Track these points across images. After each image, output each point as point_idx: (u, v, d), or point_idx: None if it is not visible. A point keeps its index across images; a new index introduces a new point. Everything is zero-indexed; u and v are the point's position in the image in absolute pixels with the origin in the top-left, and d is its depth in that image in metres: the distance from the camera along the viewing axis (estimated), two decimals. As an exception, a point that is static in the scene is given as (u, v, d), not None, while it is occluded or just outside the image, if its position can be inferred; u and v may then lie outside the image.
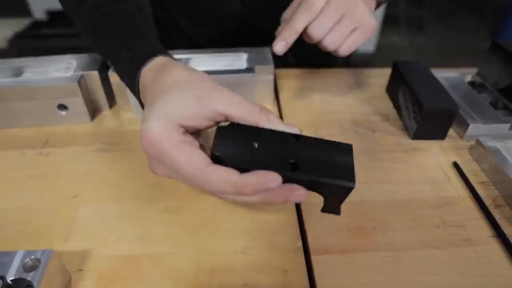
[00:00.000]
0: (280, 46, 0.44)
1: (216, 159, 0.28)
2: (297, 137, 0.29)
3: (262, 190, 0.27)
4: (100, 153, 0.48)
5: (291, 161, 0.28)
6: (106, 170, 0.45)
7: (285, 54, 0.46)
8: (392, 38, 2.57)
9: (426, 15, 2.94)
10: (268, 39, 0.67)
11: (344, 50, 0.45)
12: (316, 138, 0.30)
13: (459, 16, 3.01)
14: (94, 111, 0.54)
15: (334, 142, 0.30)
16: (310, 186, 0.29)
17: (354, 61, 0.81)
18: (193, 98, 0.28)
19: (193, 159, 0.27)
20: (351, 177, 0.28)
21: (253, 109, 0.29)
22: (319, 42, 0.45)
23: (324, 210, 0.32)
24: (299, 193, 0.28)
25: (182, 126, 0.29)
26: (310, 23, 0.43)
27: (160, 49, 0.37)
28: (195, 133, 0.32)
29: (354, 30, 0.44)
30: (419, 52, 2.50)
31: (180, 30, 0.71)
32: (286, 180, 0.28)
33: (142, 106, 0.35)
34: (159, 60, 0.35)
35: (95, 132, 0.52)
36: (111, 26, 0.40)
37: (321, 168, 0.28)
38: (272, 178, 0.26)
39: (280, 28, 0.46)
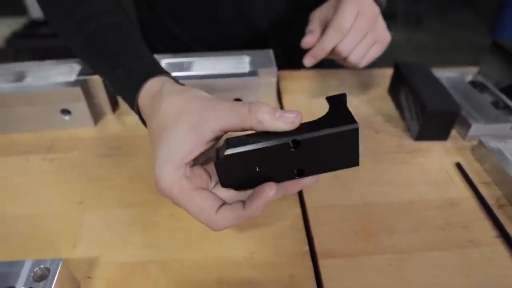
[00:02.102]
0: (310, 61, 0.48)
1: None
2: (296, 143, 0.27)
3: (266, 204, 0.28)
4: (105, 158, 0.48)
5: (295, 169, 0.28)
6: (111, 175, 0.46)
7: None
8: (391, 35, 2.56)
9: (423, 12, 2.93)
10: (264, 41, 0.67)
11: (364, 63, 0.49)
12: (318, 136, 0.26)
13: (457, 12, 3.01)
14: (97, 116, 0.54)
15: (338, 132, 0.26)
16: None
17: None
18: (189, 128, 0.28)
19: (203, 208, 0.29)
20: (355, 160, 0.28)
21: (242, 113, 0.27)
22: (345, 58, 0.48)
23: None
24: (309, 180, 0.29)
25: (187, 163, 0.29)
26: (339, 42, 0.46)
27: (152, 67, 0.36)
28: (203, 154, 0.32)
29: (374, 44, 0.48)
30: (418, 49, 2.50)
31: (170, 35, 0.70)
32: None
33: (143, 123, 0.36)
34: (150, 86, 0.34)
35: (99, 137, 0.52)
36: (103, 43, 0.39)
37: (325, 164, 0.28)
38: (268, 189, 0.28)
39: (309, 36, 0.49)
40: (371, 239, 0.38)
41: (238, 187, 0.30)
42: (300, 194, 0.43)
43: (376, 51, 0.49)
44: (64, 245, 0.38)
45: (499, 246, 0.38)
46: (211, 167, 0.32)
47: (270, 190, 0.28)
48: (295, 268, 0.35)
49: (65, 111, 0.51)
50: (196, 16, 0.66)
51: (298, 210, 0.41)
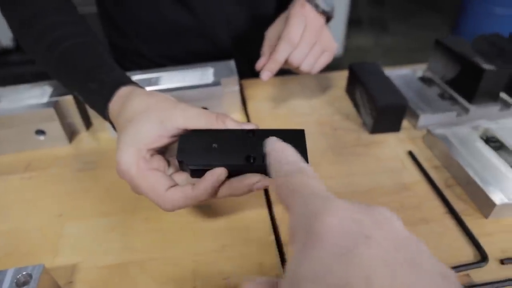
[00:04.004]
0: (267, 75, 0.51)
1: (181, 164, 0.32)
2: (252, 132, 0.32)
3: (215, 188, 0.31)
4: (81, 172, 0.50)
5: (247, 154, 0.31)
6: (88, 187, 0.48)
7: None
8: (358, 40, 2.67)
9: (389, 17, 3.06)
10: (225, 51, 0.71)
11: (316, 70, 0.54)
12: (270, 130, 0.33)
13: (421, 15, 3.15)
14: (71, 134, 0.57)
15: (288, 130, 0.33)
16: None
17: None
18: (156, 122, 0.32)
19: (155, 186, 0.32)
20: (304, 159, 0.31)
21: (210, 118, 0.33)
22: (297, 67, 0.52)
23: None
24: (256, 179, 0.32)
25: (149, 150, 0.32)
26: (290, 54, 0.50)
27: (123, 78, 0.40)
28: (165, 147, 0.35)
29: (323, 52, 0.53)
30: (386, 52, 2.60)
31: (138, 54, 0.73)
32: (246, 171, 0.32)
33: (114, 129, 0.39)
34: (121, 92, 0.37)
35: (75, 154, 0.54)
36: (75, 60, 0.43)
37: None
38: (217, 173, 0.31)
39: (262, 58, 0.54)
40: (333, 225, 0.42)
41: (192, 164, 0.32)
42: (266, 190, 0.46)
43: (325, 59, 0.54)
44: (46, 255, 0.39)
45: (448, 221, 0.42)
46: (172, 160, 0.36)
47: (219, 173, 0.31)
48: (263, 256, 0.38)
49: (40, 132, 0.53)
50: (161, 34, 0.69)
51: (263, 204, 0.44)
